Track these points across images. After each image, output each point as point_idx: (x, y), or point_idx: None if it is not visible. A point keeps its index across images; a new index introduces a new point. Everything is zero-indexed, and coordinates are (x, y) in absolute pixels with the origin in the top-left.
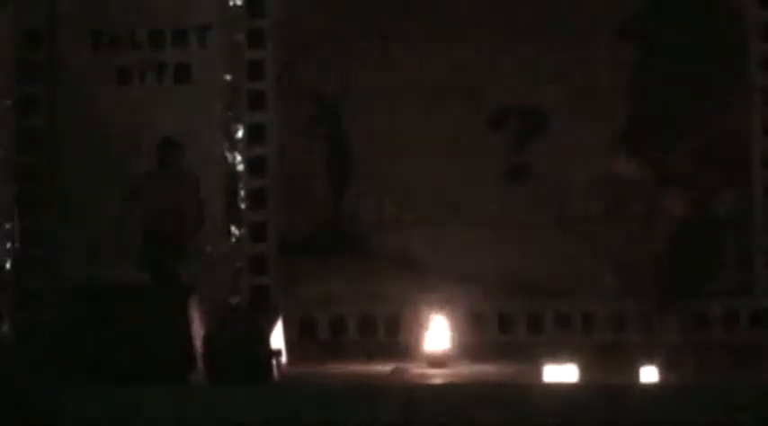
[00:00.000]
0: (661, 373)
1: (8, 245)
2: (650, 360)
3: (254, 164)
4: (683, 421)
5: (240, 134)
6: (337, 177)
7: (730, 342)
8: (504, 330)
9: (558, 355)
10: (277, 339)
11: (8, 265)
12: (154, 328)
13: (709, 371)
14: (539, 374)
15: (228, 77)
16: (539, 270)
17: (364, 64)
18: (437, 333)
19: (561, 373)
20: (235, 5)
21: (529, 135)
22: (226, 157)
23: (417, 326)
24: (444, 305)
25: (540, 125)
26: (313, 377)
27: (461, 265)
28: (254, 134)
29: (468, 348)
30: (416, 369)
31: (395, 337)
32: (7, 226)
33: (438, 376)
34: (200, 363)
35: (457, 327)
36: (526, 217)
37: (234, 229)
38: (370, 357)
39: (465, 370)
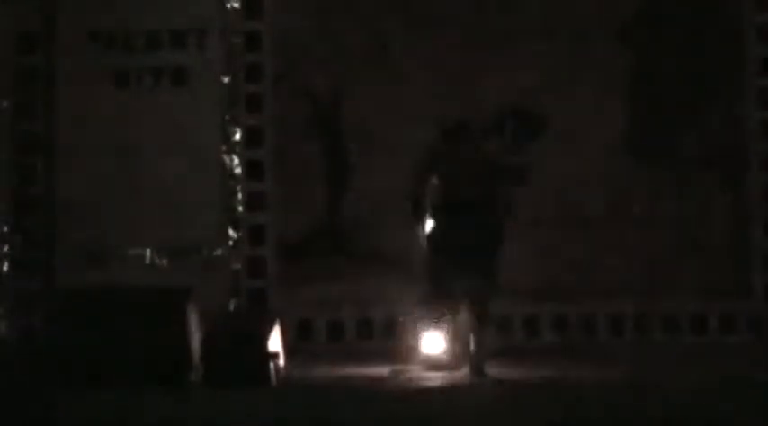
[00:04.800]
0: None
1: (5, 248)
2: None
3: (251, 167)
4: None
5: (238, 136)
6: (335, 179)
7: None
8: (502, 332)
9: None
10: (275, 342)
11: (5, 267)
12: (151, 330)
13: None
14: (537, 375)
15: (226, 80)
16: (539, 272)
17: (362, 65)
18: (436, 336)
19: None
20: (232, 8)
21: (527, 137)
22: (223, 160)
23: (415, 329)
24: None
25: (539, 127)
26: (311, 379)
27: None
28: (252, 136)
29: (467, 350)
30: (414, 372)
31: (393, 340)
32: (5, 228)
33: (436, 378)
34: (197, 366)
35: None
36: (525, 219)
37: (232, 232)
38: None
39: (463, 373)
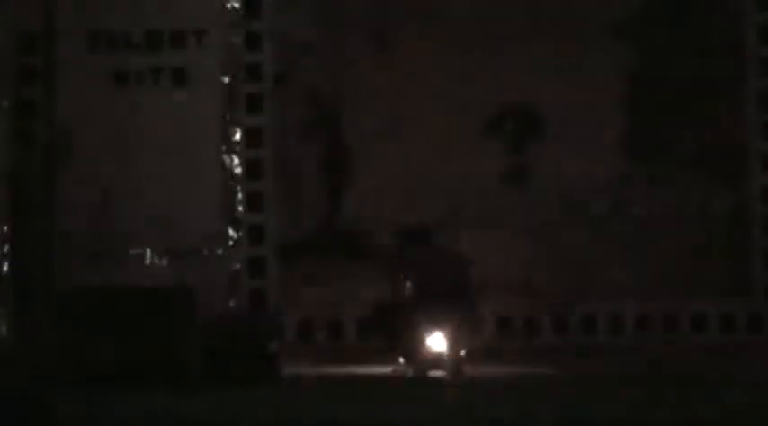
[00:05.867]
0: None
1: (6, 248)
2: None
3: (251, 167)
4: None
5: (238, 136)
6: (335, 179)
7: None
8: (502, 332)
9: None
10: (275, 341)
11: (5, 267)
12: (151, 330)
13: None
14: (537, 375)
15: (226, 80)
16: (539, 272)
17: (362, 65)
18: (436, 336)
19: None
20: (232, 8)
21: (527, 136)
22: (223, 160)
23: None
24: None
25: (539, 126)
26: (311, 379)
27: None
28: (252, 136)
29: (466, 350)
30: (415, 371)
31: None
32: (5, 228)
33: (436, 377)
34: (198, 365)
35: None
36: (525, 219)
37: (232, 232)
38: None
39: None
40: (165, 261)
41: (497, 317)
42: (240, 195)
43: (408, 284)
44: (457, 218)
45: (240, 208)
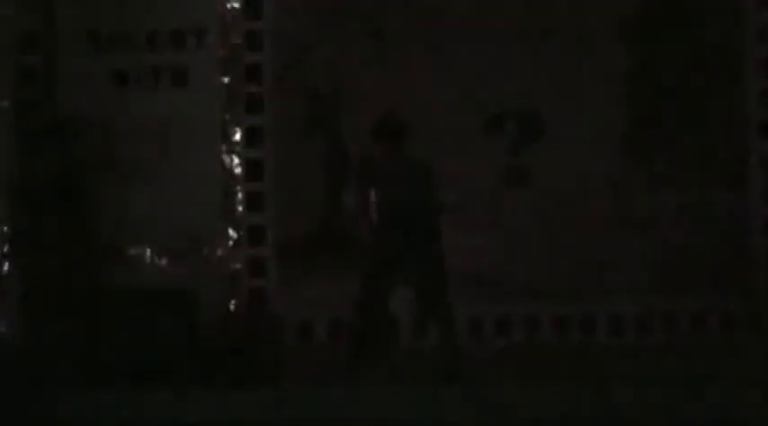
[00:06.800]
0: None
1: (5, 248)
2: None
3: (251, 167)
4: None
5: (238, 136)
6: (335, 179)
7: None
8: (501, 332)
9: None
10: (276, 341)
11: (6, 267)
12: (151, 331)
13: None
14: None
15: (226, 80)
16: (539, 271)
17: (362, 65)
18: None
19: None
20: (232, 8)
21: (527, 137)
22: (223, 160)
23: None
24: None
25: (539, 127)
26: (311, 379)
27: (460, 267)
28: (252, 136)
29: (466, 350)
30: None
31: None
32: (5, 228)
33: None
34: (197, 365)
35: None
36: (524, 219)
37: (232, 232)
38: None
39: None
40: (164, 261)
41: (496, 317)
42: (240, 195)
43: (372, 200)
44: (456, 218)
45: (240, 208)
